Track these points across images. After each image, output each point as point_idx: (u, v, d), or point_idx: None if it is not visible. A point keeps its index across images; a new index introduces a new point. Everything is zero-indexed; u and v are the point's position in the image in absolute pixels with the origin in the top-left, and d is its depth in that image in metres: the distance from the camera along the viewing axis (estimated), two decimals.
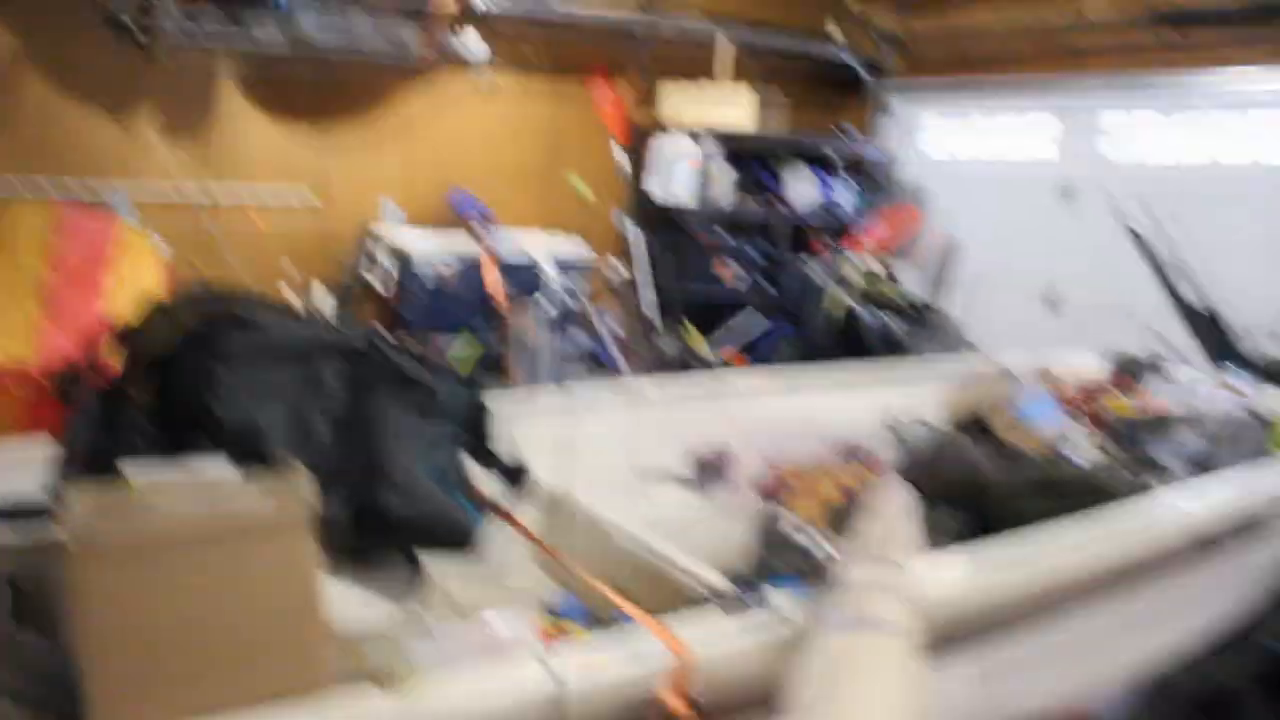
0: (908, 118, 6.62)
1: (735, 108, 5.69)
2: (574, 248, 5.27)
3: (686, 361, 5.60)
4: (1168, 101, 5.22)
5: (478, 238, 4.92)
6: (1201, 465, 2.86)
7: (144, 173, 4.69)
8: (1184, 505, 2.40)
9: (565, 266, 5.07)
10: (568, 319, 5.08)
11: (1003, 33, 5.86)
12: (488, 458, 1.77)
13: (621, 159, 5.81)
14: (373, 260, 4.97)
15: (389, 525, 1.46)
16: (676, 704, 1.38)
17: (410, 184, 5.41)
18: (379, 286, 4.88)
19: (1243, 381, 3.30)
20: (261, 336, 1.49)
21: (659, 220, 5.93)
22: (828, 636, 0.88)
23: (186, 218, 4.74)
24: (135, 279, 3.60)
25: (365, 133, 5.26)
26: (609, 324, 5.73)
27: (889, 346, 5.25)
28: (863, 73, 6.49)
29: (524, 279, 5.00)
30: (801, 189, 6.25)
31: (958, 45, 6.21)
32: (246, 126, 4.93)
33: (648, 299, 5.69)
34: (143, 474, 1.30)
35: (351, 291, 4.94)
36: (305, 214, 5.11)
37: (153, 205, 4.61)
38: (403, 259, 4.76)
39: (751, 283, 6.04)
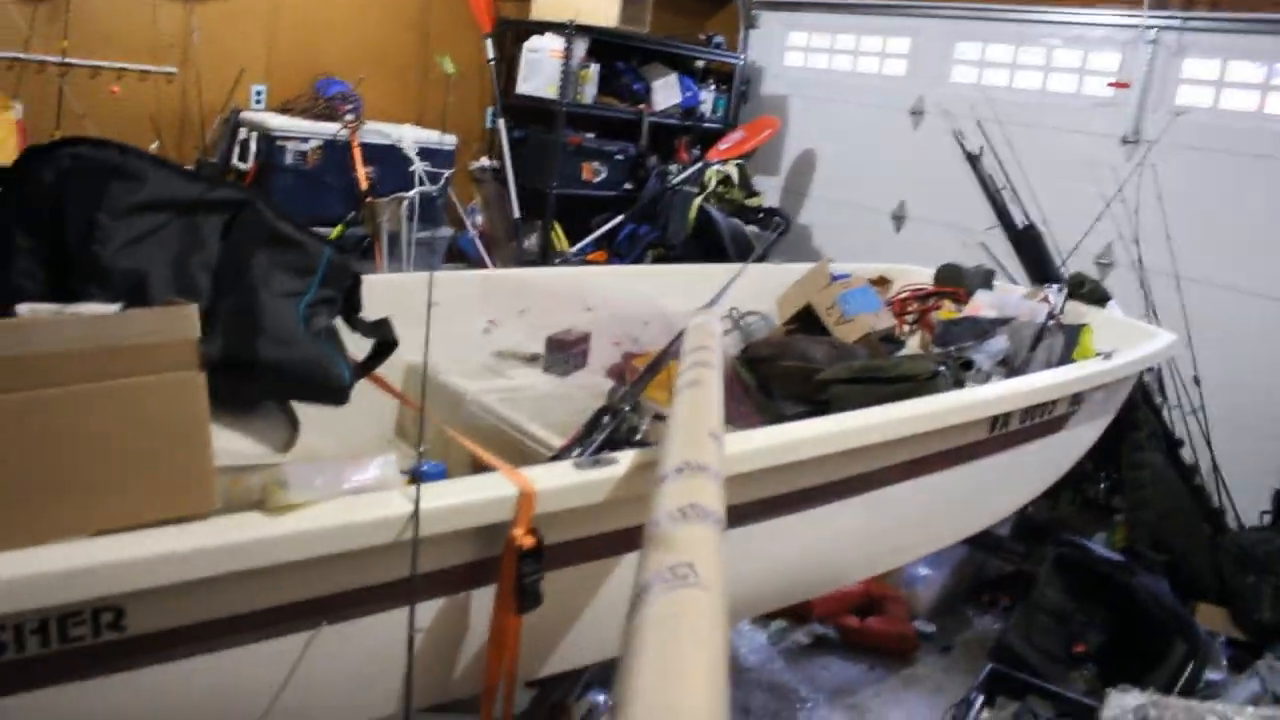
0: (774, 32, 6.79)
1: (604, 1, 5.74)
2: (441, 139, 5.30)
3: (549, 259, 5.73)
4: (1013, 34, 5.52)
5: (345, 125, 4.92)
6: (1012, 367, 3.16)
7: None
8: (988, 396, 2.64)
9: (432, 157, 5.12)
10: (433, 210, 5.14)
11: None
12: (357, 324, 1.90)
13: (491, 55, 5.84)
14: (236, 141, 4.93)
15: (263, 372, 1.57)
16: (520, 533, 1.57)
17: (278, 69, 5.34)
18: (243, 168, 4.85)
19: (1057, 296, 3.60)
20: (145, 188, 1.57)
21: (528, 119, 6.00)
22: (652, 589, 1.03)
23: (39, 80, 4.60)
24: None
25: (231, 12, 5.15)
26: (474, 218, 5.82)
27: (741, 250, 5.48)
28: None
29: (390, 168, 5.03)
30: (666, 94, 6.36)
31: None
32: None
33: (513, 196, 5.78)
34: (31, 311, 1.38)
35: (215, 172, 4.90)
36: (168, 91, 5.00)
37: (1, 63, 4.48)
38: (267, 140, 4.74)
39: (615, 185, 6.16)
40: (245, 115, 4.99)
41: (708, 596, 1.01)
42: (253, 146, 4.81)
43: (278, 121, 4.82)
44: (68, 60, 4.59)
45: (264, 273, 1.61)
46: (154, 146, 4.83)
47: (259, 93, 5.28)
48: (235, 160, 4.89)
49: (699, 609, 0.99)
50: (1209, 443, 4.19)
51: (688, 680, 0.87)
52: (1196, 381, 4.17)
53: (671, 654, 0.91)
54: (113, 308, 1.40)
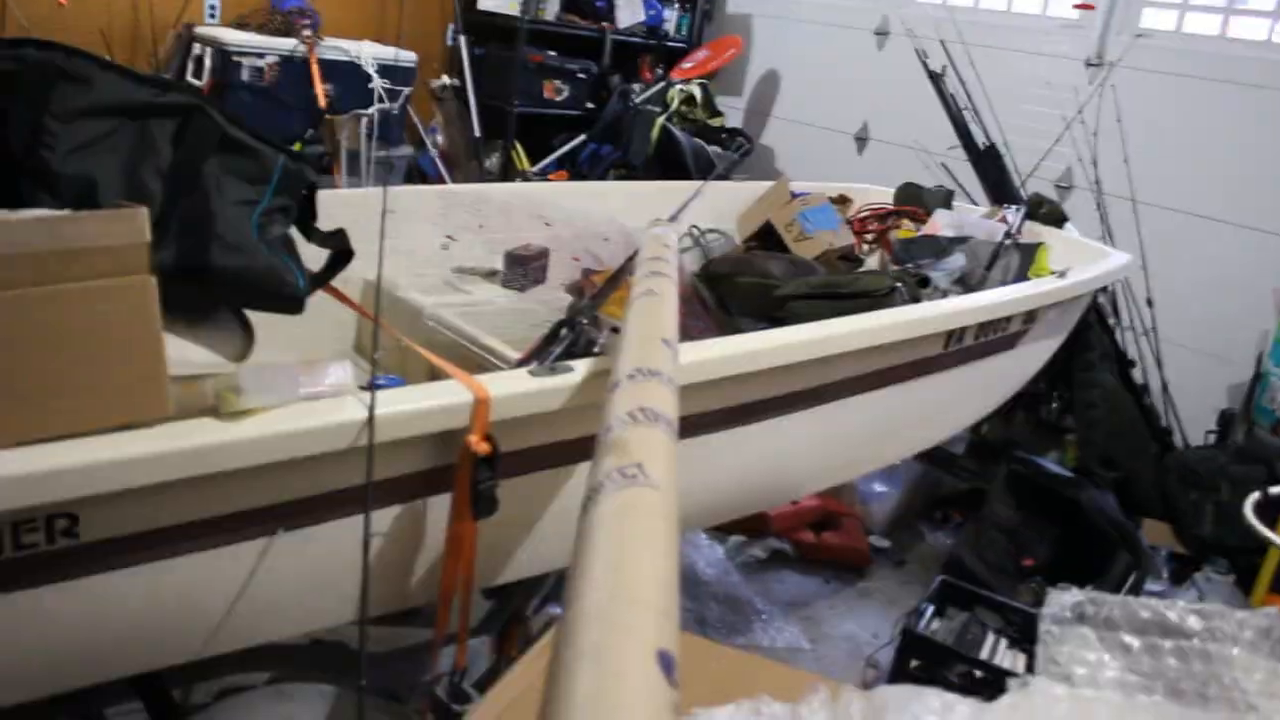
0: None
1: None
2: (398, 56, 5.22)
3: (511, 178, 5.69)
4: None
5: (302, 40, 4.82)
6: (969, 284, 3.19)
7: None
8: (943, 310, 2.66)
9: (391, 75, 5.04)
10: (392, 129, 5.08)
11: None
12: (313, 233, 1.88)
13: None
14: (189, 57, 4.83)
15: (217, 279, 1.55)
16: (476, 439, 1.58)
17: None
18: (197, 84, 4.76)
19: (1015, 216, 3.63)
20: (93, 92, 1.54)
21: (489, 36, 5.92)
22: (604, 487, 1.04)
23: None
24: None
25: None
26: (435, 137, 5.75)
27: (703, 170, 5.46)
28: None
29: (349, 86, 4.95)
30: (630, 11, 6.28)
31: None
32: None
33: (474, 114, 5.71)
34: None
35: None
36: (118, 4, 4.88)
37: None
38: (222, 55, 4.64)
39: (577, 104, 6.10)
40: (199, 30, 4.87)
41: (657, 495, 1.03)
42: (207, 63, 4.71)
43: (233, 37, 4.71)
44: None
45: (216, 179, 1.59)
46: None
47: (213, 7, 5.16)
48: (189, 77, 4.79)
49: (648, 507, 1.01)
50: (1159, 364, 4.27)
51: (638, 574, 0.89)
52: (1149, 303, 4.23)
53: (621, 550, 0.92)
54: (62, 213, 1.39)
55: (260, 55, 4.72)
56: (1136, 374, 4.20)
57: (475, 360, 2.26)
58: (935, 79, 4.12)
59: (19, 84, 1.51)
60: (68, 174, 1.49)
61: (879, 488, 3.86)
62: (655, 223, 2.28)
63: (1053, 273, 3.14)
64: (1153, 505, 3.86)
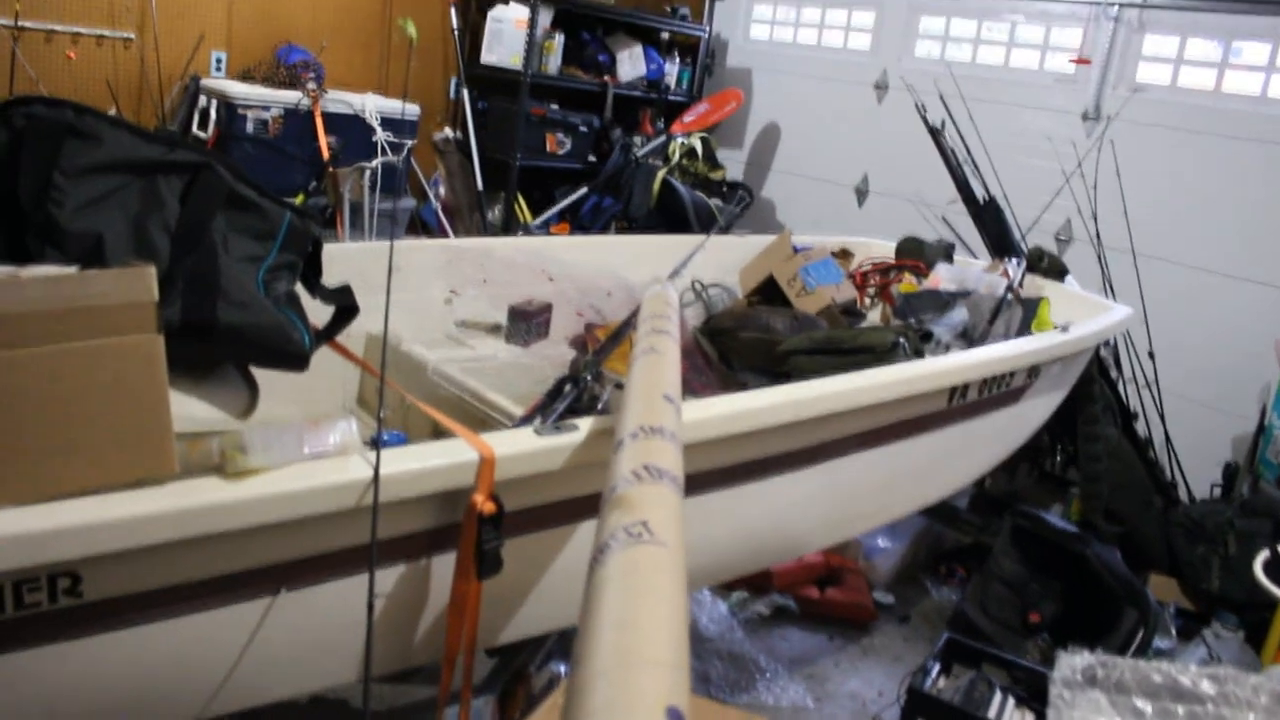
0: (739, 5, 6.78)
1: None
2: (404, 109, 5.27)
3: (513, 230, 5.72)
4: (977, 9, 5.55)
5: (307, 93, 4.87)
6: (972, 339, 3.19)
7: None
8: (946, 366, 2.66)
9: (395, 127, 5.08)
10: (395, 181, 5.11)
11: None
12: (318, 289, 1.88)
13: (455, 25, 5.80)
14: (195, 108, 4.87)
15: (223, 336, 1.55)
16: (481, 499, 1.57)
17: (238, 36, 5.27)
18: (202, 136, 4.80)
19: (1015, 269, 3.63)
20: (102, 149, 1.54)
21: (491, 90, 5.97)
22: (613, 547, 1.04)
23: None
24: None
25: None
26: (437, 189, 5.79)
27: (704, 223, 5.49)
28: None
29: (353, 138, 5.00)
30: (631, 65, 6.34)
31: None
32: None
33: (476, 167, 5.75)
34: None
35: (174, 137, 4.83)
36: (125, 57, 4.93)
37: None
38: (227, 107, 4.69)
39: (579, 156, 6.14)
40: (205, 82, 4.93)
41: (665, 552, 1.02)
42: (213, 114, 4.76)
43: (238, 89, 4.76)
44: (21, 24, 4.51)
45: (223, 235, 1.59)
46: (111, 113, 4.75)
47: (219, 60, 5.21)
48: (195, 128, 4.84)
49: (655, 564, 1.00)
50: (1162, 416, 4.26)
51: (647, 631, 0.88)
52: (1151, 356, 4.23)
53: (629, 608, 0.91)
54: (69, 270, 1.39)
55: (265, 108, 4.77)
56: (1139, 427, 4.19)
57: (479, 416, 2.26)
58: (935, 133, 4.15)
59: (29, 140, 1.52)
60: (75, 230, 1.50)
61: (882, 543, 3.83)
62: (656, 280, 2.28)
63: (1055, 327, 3.14)
64: (1158, 559, 3.84)
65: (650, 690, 0.80)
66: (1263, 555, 2.07)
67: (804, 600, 3.53)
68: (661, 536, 1.03)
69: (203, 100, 4.84)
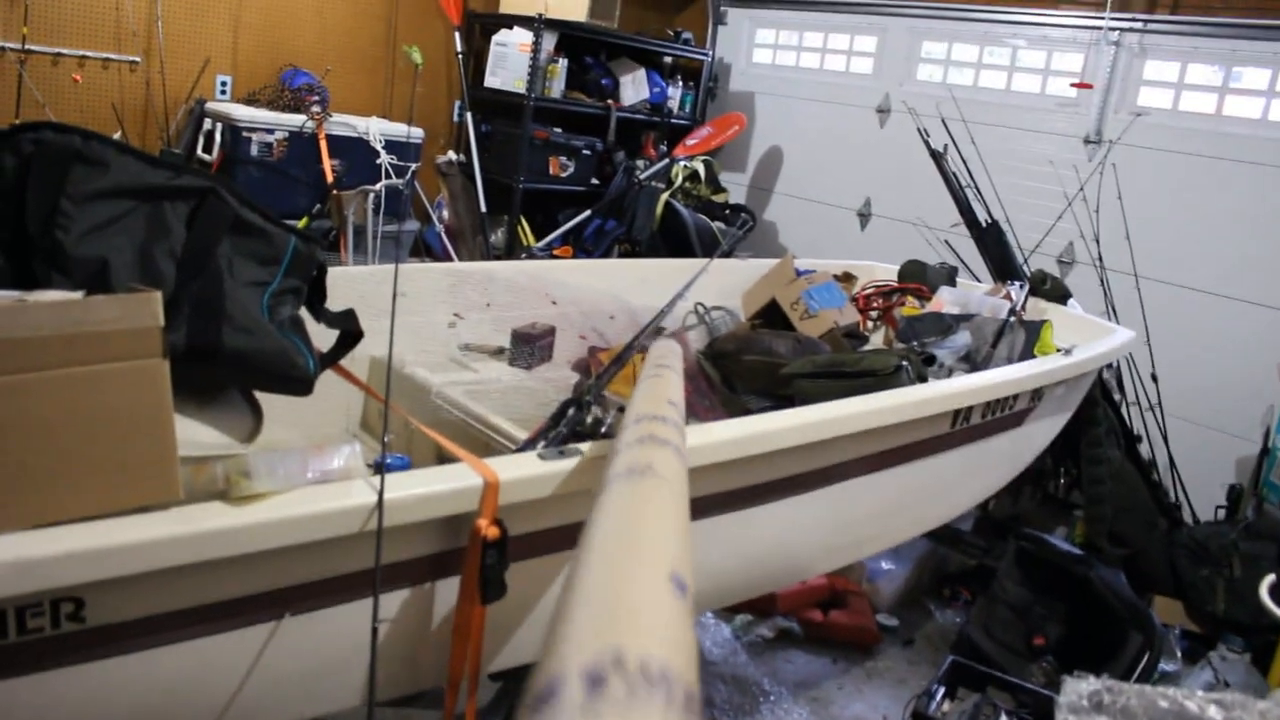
0: (742, 29, 6.81)
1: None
2: (409, 133, 5.28)
3: (516, 253, 5.73)
4: (979, 34, 5.58)
5: (311, 116, 4.89)
6: (974, 362, 3.19)
7: None
8: (949, 390, 2.66)
9: (399, 151, 5.10)
10: (399, 204, 5.13)
11: None
12: (322, 314, 1.89)
13: (459, 48, 5.84)
14: (200, 131, 4.90)
15: (227, 361, 1.56)
16: (485, 523, 1.57)
17: (243, 60, 5.30)
18: (207, 159, 4.82)
19: (1018, 292, 3.64)
20: (108, 175, 1.55)
21: (495, 113, 6.00)
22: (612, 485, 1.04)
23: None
24: None
25: (196, 1, 5.10)
26: (440, 212, 5.81)
27: (706, 246, 5.50)
28: None
29: (356, 161, 5.01)
30: (634, 89, 6.37)
31: None
32: None
33: (479, 190, 5.77)
34: None
35: (179, 161, 4.85)
36: (131, 80, 4.95)
37: None
38: (232, 131, 4.71)
39: (582, 180, 6.16)
40: (210, 106, 4.95)
41: (668, 485, 1.04)
42: (218, 137, 4.78)
43: (243, 112, 4.78)
44: (28, 47, 4.54)
45: (229, 260, 1.60)
46: (117, 136, 4.77)
47: (224, 83, 5.24)
48: (200, 151, 4.86)
49: (659, 488, 1.01)
50: (1166, 439, 4.26)
51: (651, 526, 0.89)
52: (1154, 378, 4.23)
53: (634, 510, 0.92)
54: (75, 295, 1.39)
55: (270, 131, 4.79)
56: (1143, 449, 4.19)
57: (482, 439, 2.26)
58: (937, 157, 4.16)
59: (37, 167, 1.52)
60: (81, 255, 1.51)
61: (886, 565, 3.83)
62: (664, 338, 2.28)
63: (1058, 350, 3.14)
64: (1163, 582, 3.83)
65: (653, 556, 0.80)
66: (1269, 579, 2.07)
67: (808, 623, 3.52)
68: (667, 476, 1.05)
69: (208, 123, 4.86)
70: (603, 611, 0.75)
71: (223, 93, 5.23)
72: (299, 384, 1.68)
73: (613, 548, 0.84)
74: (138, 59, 4.93)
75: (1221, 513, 4.21)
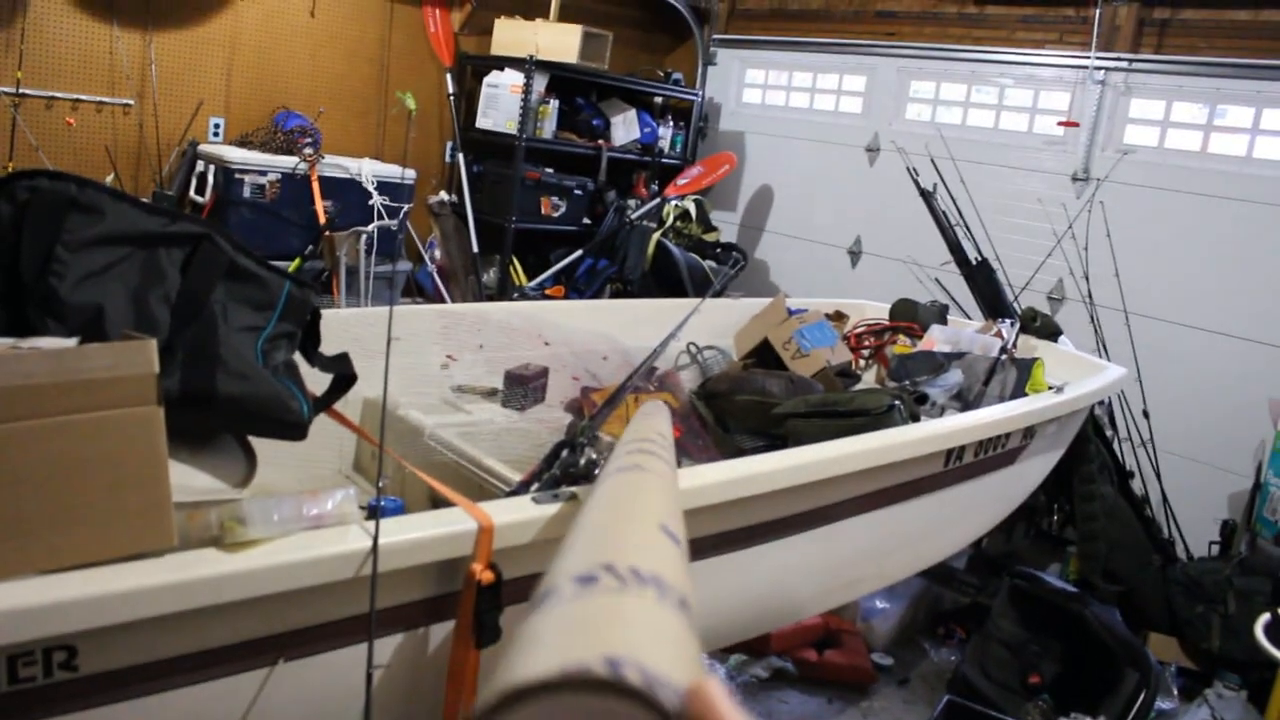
0: (732, 69, 6.87)
1: (564, 38, 5.78)
2: (403, 175, 5.31)
3: (508, 293, 5.74)
4: (966, 73, 5.63)
5: (304, 158, 4.91)
6: (966, 400, 3.20)
7: None
8: (942, 429, 2.67)
9: (391, 192, 5.12)
10: (391, 244, 5.14)
11: None
12: (316, 358, 1.89)
13: (451, 90, 5.89)
14: (193, 173, 4.92)
15: (222, 406, 1.56)
16: (480, 568, 1.57)
17: (236, 102, 5.33)
18: (200, 200, 4.83)
19: (1009, 330, 3.66)
20: (103, 222, 1.56)
21: (486, 154, 6.03)
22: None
23: None
24: None
25: (189, 45, 5.14)
26: (433, 252, 5.82)
27: (698, 285, 5.52)
28: (691, 20, 6.70)
29: (349, 202, 5.03)
30: (625, 129, 6.41)
31: None
32: (61, 27, 4.75)
33: (471, 230, 5.79)
34: None
35: (171, 204, 4.87)
36: (124, 123, 4.98)
37: None
38: (225, 172, 4.73)
39: (574, 219, 6.18)
40: (203, 148, 4.98)
41: (657, 476, 1.07)
42: (210, 179, 4.80)
43: (236, 154, 4.81)
44: (22, 90, 4.56)
45: (223, 306, 1.61)
46: (110, 179, 4.80)
47: (217, 125, 5.27)
48: (192, 193, 4.88)
49: (649, 479, 1.05)
50: (1158, 475, 4.27)
51: (640, 505, 0.89)
52: (1146, 415, 4.25)
53: (628, 493, 0.93)
54: (69, 342, 1.40)
55: (262, 173, 4.81)
56: (1135, 485, 4.19)
57: (475, 481, 2.26)
58: (926, 195, 4.19)
59: (32, 214, 1.53)
60: (76, 302, 1.51)
61: (880, 604, 3.82)
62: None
63: (1050, 387, 3.15)
64: (1157, 618, 3.82)
65: (643, 515, 0.82)
66: (1264, 619, 2.07)
67: (802, 663, 3.50)
68: (653, 470, 1.06)
69: (200, 165, 4.89)
70: (596, 538, 0.80)
71: (215, 135, 5.26)
72: (293, 429, 1.68)
73: (605, 514, 0.85)
74: (131, 102, 4.95)
75: (1215, 549, 4.21)
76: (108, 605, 1.32)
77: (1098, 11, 4.97)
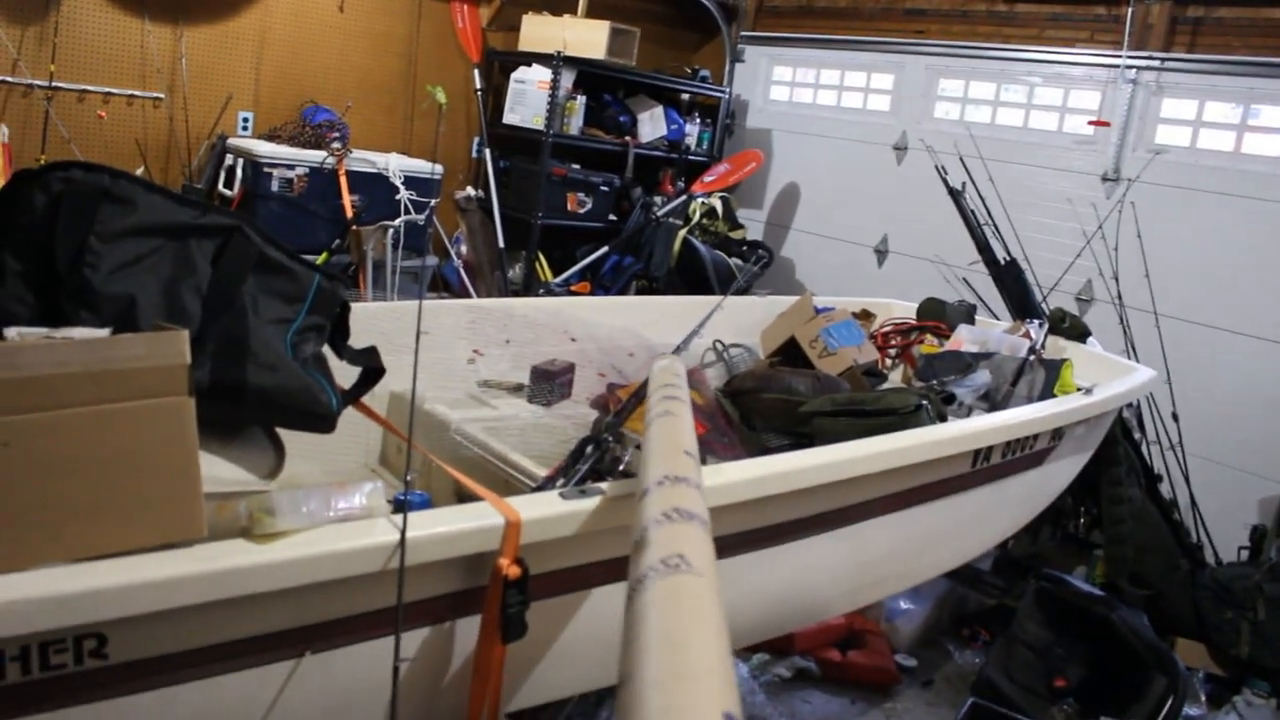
0: (759, 67, 6.85)
1: (592, 34, 5.77)
2: (433, 170, 5.32)
3: (534, 289, 5.75)
4: (996, 72, 5.60)
5: (331, 152, 4.93)
6: (994, 401, 3.18)
7: None
8: (969, 430, 2.65)
9: (418, 186, 5.13)
10: (418, 239, 5.15)
11: None
12: (344, 351, 1.90)
13: (479, 85, 5.89)
14: (222, 167, 4.94)
15: (251, 398, 1.56)
16: (506, 562, 1.57)
17: (265, 96, 5.36)
18: (228, 194, 4.86)
19: (1037, 330, 3.63)
20: (136, 213, 1.57)
21: (513, 149, 6.04)
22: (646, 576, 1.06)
23: (25, 103, 4.61)
24: None
25: (219, 39, 5.17)
26: (459, 247, 5.84)
27: (724, 282, 5.51)
28: (718, 17, 6.68)
29: (376, 196, 5.05)
30: (652, 126, 6.40)
31: None
32: (93, 21, 4.78)
33: (498, 225, 5.80)
34: (20, 335, 1.38)
35: (200, 197, 4.90)
36: (154, 116, 5.01)
37: None
38: (253, 166, 4.75)
39: (600, 216, 6.18)
40: (232, 141, 5.01)
41: (702, 581, 1.04)
42: (239, 173, 4.82)
43: (264, 148, 4.83)
44: (55, 84, 4.60)
45: (253, 298, 1.61)
46: (140, 171, 4.83)
47: (246, 119, 5.29)
48: (221, 186, 4.91)
49: (696, 590, 1.01)
50: (1187, 478, 4.23)
51: (694, 646, 0.89)
52: (1175, 417, 4.21)
53: (674, 626, 0.92)
54: (102, 332, 1.40)
55: (290, 166, 4.83)
56: (1164, 489, 4.16)
57: (501, 477, 2.26)
58: (955, 194, 4.17)
59: (66, 206, 1.54)
60: (109, 292, 1.52)
61: (905, 605, 3.80)
62: (661, 356, 2.28)
63: (1078, 389, 3.13)
64: (1185, 624, 3.79)
65: (705, 697, 0.81)
66: None
67: (825, 663, 3.49)
68: (698, 568, 1.05)
69: (229, 159, 4.91)
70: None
71: (244, 129, 5.28)
72: (322, 421, 1.68)
73: (663, 680, 0.85)
74: (161, 95, 4.98)
75: (1244, 554, 4.17)
76: (138, 594, 1.33)
77: (1130, 10, 4.93)
